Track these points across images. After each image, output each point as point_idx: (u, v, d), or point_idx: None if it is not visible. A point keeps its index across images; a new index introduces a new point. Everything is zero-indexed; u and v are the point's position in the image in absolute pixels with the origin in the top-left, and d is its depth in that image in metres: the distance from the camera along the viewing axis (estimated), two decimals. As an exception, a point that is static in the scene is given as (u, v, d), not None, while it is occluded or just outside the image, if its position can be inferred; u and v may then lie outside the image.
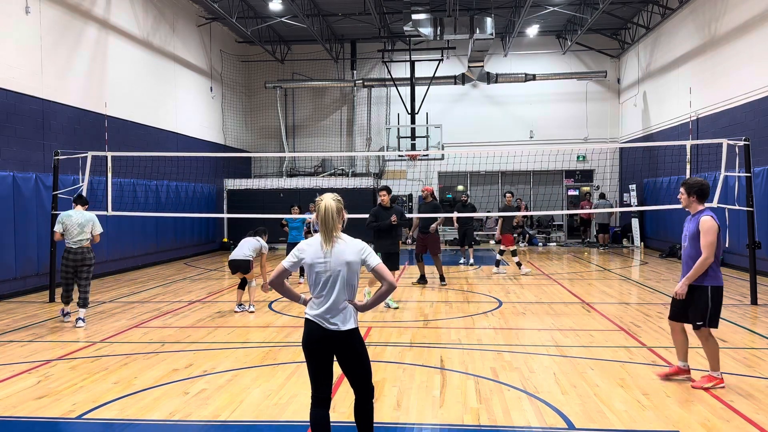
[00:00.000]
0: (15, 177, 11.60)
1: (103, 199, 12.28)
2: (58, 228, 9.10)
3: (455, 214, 16.53)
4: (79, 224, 9.05)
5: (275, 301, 10.92)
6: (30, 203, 11.94)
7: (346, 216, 4.12)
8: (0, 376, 6.38)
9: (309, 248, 3.99)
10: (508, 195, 15.36)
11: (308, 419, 4.08)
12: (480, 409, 5.25)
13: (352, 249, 3.95)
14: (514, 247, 14.54)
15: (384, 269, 3.98)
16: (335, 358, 4.04)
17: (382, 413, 5.20)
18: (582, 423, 4.93)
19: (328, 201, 3.98)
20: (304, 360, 4.02)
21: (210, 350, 7.44)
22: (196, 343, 7.84)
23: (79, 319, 8.95)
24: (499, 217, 14.93)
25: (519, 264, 14.44)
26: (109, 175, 11.79)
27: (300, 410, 5.24)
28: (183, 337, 8.19)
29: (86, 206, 9.42)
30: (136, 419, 5.11)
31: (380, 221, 10.32)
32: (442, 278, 12.60)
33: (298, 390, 5.77)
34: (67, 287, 9.24)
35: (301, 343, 4.11)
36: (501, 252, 14.95)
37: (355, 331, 4.01)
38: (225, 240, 22.32)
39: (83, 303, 9.08)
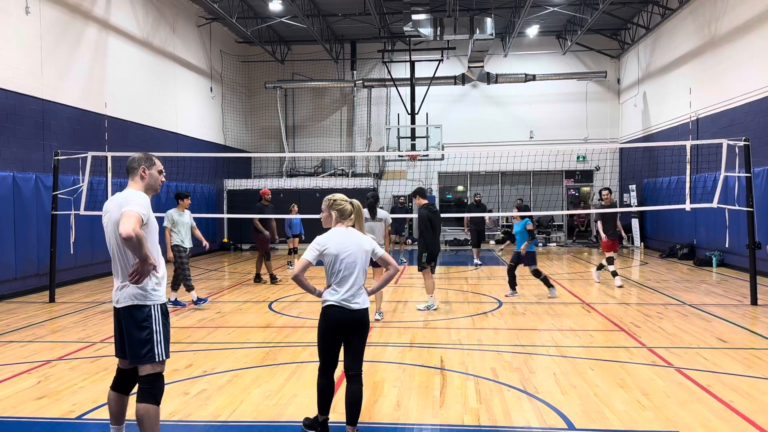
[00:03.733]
0: (15, 177, 11.60)
1: (103, 199, 12.27)
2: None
3: (467, 215, 16.33)
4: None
5: (275, 301, 10.93)
6: (30, 203, 11.94)
7: None
8: (0, 376, 6.38)
9: (331, 241, 4.54)
10: (605, 192, 12.38)
11: (308, 417, 4.06)
12: (480, 410, 5.25)
13: (368, 241, 4.64)
14: (611, 254, 12.29)
15: (388, 256, 4.71)
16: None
17: (382, 413, 5.21)
18: (582, 423, 4.93)
19: (357, 202, 4.73)
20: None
21: (210, 350, 7.44)
22: (196, 343, 7.84)
23: (169, 300, 10.28)
24: (598, 218, 12.60)
25: (614, 274, 12.25)
26: (109, 175, 11.78)
27: (300, 410, 5.24)
28: (183, 337, 8.18)
29: (180, 201, 10.41)
30: (135, 419, 5.10)
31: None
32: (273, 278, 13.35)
33: (298, 390, 5.77)
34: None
35: (316, 335, 4.60)
36: (610, 261, 12.23)
37: (368, 310, 4.63)
38: (225, 240, 22.32)
39: (172, 286, 10.50)
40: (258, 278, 13.52)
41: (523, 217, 11.13)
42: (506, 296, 11.20)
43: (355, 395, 4.51)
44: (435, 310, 9.86)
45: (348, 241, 4.53)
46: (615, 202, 12.25)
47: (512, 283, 11.23)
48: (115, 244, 4.12)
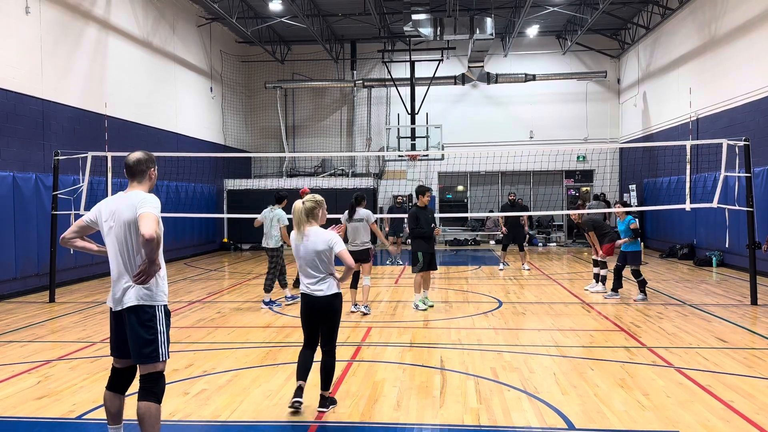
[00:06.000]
0: (15, 177, 11.60)
1: (103, 199, 12.27)
2: (260, 217, 10.51)
3: (500, 214, 15.24)
4: (270, 219, 10.33)
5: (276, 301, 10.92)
6: (30, 203, 11.94)
7: (325, 214, 5.38)
8: (0, 376, 6.38)
9: (294, 242, 5.29)
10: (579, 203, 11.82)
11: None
12: (480, 410, 5.25)
13: (322, 239, 5.18)
14: (605, 259, 11.46)
15: (346, 254, 5.18)
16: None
17: (382, 413, 5.21)
18: (582, 423, 4.93)
19: (299, 204, 5.27)
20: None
21: (210, 350, 7.44)
22: (196, 343, 7.84)
23: (262, 301, 10.39)
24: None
25: (615, 287, 10.95)
26: (109, 175, 11.79)
27: (300, 410, 5.23)
28: (183, 337, 8.19)
29: (281, 203, 10.47)
30: (135, 419, 5.10)
31: (421, 223, 9.79)
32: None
33: (298, 390, 5.77)
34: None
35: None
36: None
37: (339, 295, 5.25)
38: (225, 240, 22.32)
39: (265, 288, 10.38)
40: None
41: (628, 213, 10.68)
42: (605, 298, 10.83)
43: (327, 365, 5.20)
44: (424, 309, 9.92)
45: (306, 238, 5.21)
46: (590, 215, 11.32)
47: (617, 285, 10.78)
48: (123, 244, 4.10)
